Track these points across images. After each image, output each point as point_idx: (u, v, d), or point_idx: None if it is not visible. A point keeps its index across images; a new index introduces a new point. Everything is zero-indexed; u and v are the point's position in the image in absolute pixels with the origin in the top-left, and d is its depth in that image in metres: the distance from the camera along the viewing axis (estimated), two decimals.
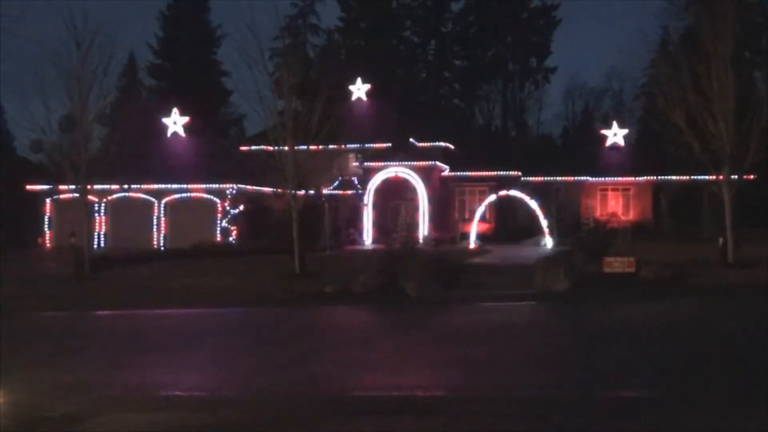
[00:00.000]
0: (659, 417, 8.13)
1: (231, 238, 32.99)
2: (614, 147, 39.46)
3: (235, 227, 33.18)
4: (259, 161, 26.10)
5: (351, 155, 37.48)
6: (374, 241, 34.24)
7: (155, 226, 33.96)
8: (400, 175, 35.31)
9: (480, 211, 32.94)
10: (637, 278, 20.11)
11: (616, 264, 20.71)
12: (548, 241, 30.51)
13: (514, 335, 14.16)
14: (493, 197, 33.71)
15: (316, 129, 24.07)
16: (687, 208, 32.58)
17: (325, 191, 34.18)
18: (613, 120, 43.12)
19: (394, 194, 35.59)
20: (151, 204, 33.98)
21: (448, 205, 37.17)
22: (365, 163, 35.87)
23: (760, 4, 41.06)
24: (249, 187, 33.81)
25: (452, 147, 39.54)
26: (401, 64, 58.22)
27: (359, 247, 32.91)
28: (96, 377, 10.90)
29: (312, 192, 29.66)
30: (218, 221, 33.26)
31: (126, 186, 31.90)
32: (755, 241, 23.74)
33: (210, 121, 46.78)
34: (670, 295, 18.42)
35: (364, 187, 35.71)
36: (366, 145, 36.71)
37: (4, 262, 26.62)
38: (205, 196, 33.55)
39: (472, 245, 30.44)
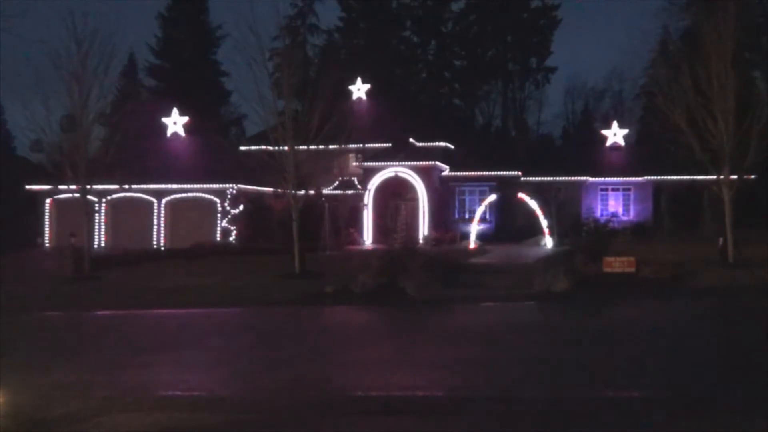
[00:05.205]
0: (659, 417, 8.13)
1: (231, 238, 32.98)
2: (614, 147, 39.45)
3: (235, 227, 33.16)
4: (259, 161, 26.08)
5: (351, 155, 37.44)
6: (374, 241, 34.22)
7: (155, 226, 33.94)
8: (400, 175, 35.29)
9: (480, 211, 32.95)
10: (637, 278, 20.11)
11: (616, 264, 20.71)
12: (548, 241, 30.50)
13: (514, 335, 14.15)
14: (493, 197, 33.72)
15: (316, 129, 24.06)
16: (687, 208, 32.54)
17: (325, 191, 34.15)
18: (613, 120, 43.09)
19: (394, 194, 35.56)
20: (151, 204, 33.96)
21: (448, 205, 37.14)
22: (365, 163, 35.86)
23: (760, 4, 41.06)
24: (249, 187, 33.79)
25: (452, 147, 39.49)
26: (401, 64, 58.15)
27: (359, 247, 32.89)
28: (96, 377, 10.90)
29: (312, 192, 29.64)
30: (218, 221, 33.25)
31: (126, 186, 31.86)
32: (755, 241, 23.72)
33: (210, 121, 46.74)
34: (670, 296, 18.42)
35: (364, 187, 35.68)
36: (366, 145, 36.65)
37: (4, 262, 26.61)
38: (205, 196, 33.54)
39: (472, 245, 30.43)
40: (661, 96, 23.69)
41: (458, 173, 37.18)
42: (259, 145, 31.01)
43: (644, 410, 8.45)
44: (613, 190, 37.09)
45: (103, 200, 33.93)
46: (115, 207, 34.50)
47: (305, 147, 24.51)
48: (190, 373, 11.27)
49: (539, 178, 36.59)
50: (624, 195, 36.98)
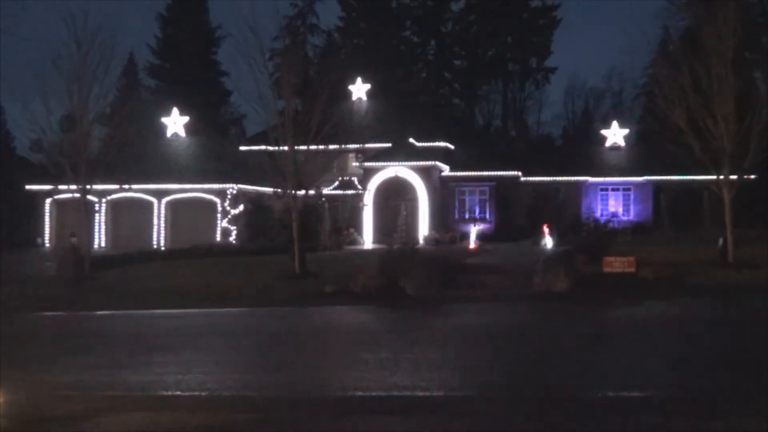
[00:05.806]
0: (659, 417, 8.12)
1: (231, 238, 32.99)
2: (614, 147, 39.49)
3: (235, 227, 33.17)
4: (259, 161, 26.10)
5: (351, 155, 37.45)
6: (374, 241, 34.24)
7: (155, 226, 33.96)
8: (400, 175, 35.31)
9: (479, 211, 33.00)
10: (637, 278, 20.08)
11: (616, 264, 20.68)
12: (548, 241, 30.50)
13: (514, 335, 14.15)
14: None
15: (316, 129, 24.04)
16: (687, 208, 32.58)
17: (325, 191, 34.17)
18: (613, 120, 43.14)
19: (394, 194, 35.58)
20: (151, 204, 33.97)
21: (448, 205, 37.16)
22: (365, 163, 35.87)
23: (760, 4, 41.05)
24: (249, 187, 33.81)
25: (452, 147, 39.52)
26: (401, 64, 58.18)
27: (359, 247, 32.91)
28: (96, 377, 10.90)
29: (312, 192, 29.68)
30: (218, 221, 33.26)
31: (126, 186, 31.86)
32: (755, 241, 23.70)
33: (210, 121, 46.79)
34: (670, 296, 18.40)
35: (364, 187, 35.70)
36: (366, 145, 36.68)
37: (3, 262, 26.60)
38: (205, 196, 33.56)
39: (472, 245, 30.44)
40: (661, 96, 23.67)
41: (458, 173, 37.20)
42: (259, 145, 31.06)
43: (644, 410, 8.44)
44: (613, 190, 37.13)
45: (103, 200, 33.94)
46: (115, 207, 34.52)
47: (305, 147, 24.50)
48: (190, 373, 11.26)
49: (539, 178, 36.61)
50: (624, 195, 37.02)
